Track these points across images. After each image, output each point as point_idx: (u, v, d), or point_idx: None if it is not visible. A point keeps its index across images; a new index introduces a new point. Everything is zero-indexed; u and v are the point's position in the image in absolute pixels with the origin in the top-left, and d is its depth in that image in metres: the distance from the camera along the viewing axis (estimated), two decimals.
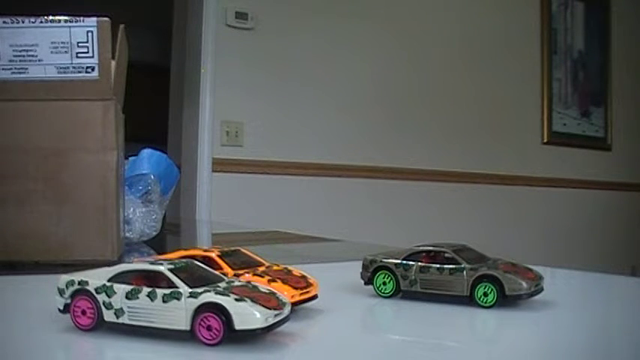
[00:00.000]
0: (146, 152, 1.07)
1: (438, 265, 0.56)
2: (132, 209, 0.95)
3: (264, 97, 2.76)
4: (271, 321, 0.41)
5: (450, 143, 3.30)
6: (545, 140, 3.73)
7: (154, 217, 0.99)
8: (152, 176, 1.00)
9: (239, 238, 1.53)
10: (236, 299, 0.41)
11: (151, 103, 3.25)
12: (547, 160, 3.72)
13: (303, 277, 0.53)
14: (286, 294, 0.47)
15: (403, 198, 3.14)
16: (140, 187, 0.98)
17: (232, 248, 0.56)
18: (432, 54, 3.25)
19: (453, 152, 3.31)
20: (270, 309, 0.41)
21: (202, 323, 0.41)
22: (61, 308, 0.44)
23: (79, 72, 0.75)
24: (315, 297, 0.53)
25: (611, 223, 3.99)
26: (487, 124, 3.46)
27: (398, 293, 0.58)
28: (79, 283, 0.44)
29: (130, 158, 1.05)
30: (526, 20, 3.69)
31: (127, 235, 0.95)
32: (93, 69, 0.75)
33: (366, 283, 0.60)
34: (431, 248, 0.58)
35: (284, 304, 0.43)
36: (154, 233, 1.01)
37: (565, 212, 3.78)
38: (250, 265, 0.54)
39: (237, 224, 2.04)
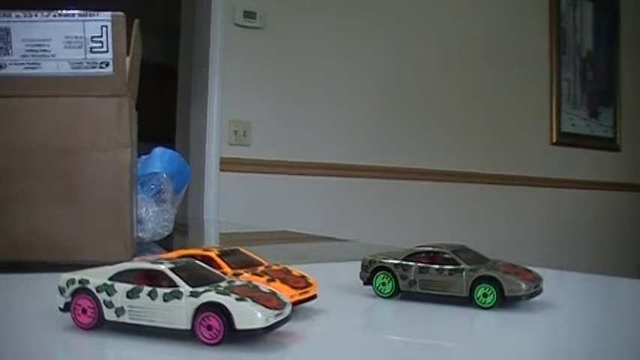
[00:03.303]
0: (158, 150, 1.05)
1: (437, 266, 0.56)
2: (144, 209, 0.93)
3: (272, 97, 2.75)
4: (272, 321, 0.41)
5: (458, 144, 3.28)
6: (553, 141, 3.71)
7: (166, 216, 0.97)
8: (165, 175, 0.98)
9: (247, 237, 1.52)
10: (237, 299, 0.41)
11: (159, 103, 3.24)
12: (556, 160, 3.69)
13: (303, 276, 0.53)
14: (285, 294, 0.47)
15: (411, 198, 3.12)
16: (152, 186, 0.97)
17: (232, 248, 0.55)
18: (440, 54, 3.23)
19: (460, 153, 3.29)
20: (270, 309, 0.41)
21: (203, 323, 0.40)
22: (62, 307, 0.44)
23: (93, 67, 0.73)
24: (314, 297, 0.52)
25: (621, 224, 3.97)
26: (495, 124, 3.44)
27: (397, 293, 0.58)
28: (80, 282, 0.44)
29: (142, 157, 1.03)
30: (534, 20, 3.67)
31: (140, 235, 0.93)
32: (107, 64, 0.73)
33: (365, 284, 0.60)
34: (430, 249, 0.58)
35: (285, 304, 0.43)
36: (167, 233, 0.99)
37: (573, 213, 3.75)
38: (249, 264, 0.53)
39: (245, 224, 2.03)
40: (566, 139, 3.75)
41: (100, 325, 0.43)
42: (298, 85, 2.82)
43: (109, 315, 0.42)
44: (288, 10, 2.80)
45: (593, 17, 3.96)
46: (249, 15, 2.68)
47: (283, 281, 0.50)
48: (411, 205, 3.12)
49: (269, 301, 0.42)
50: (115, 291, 0.42)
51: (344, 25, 2.94)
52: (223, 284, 0.43)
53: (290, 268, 0.54)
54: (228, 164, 2.64)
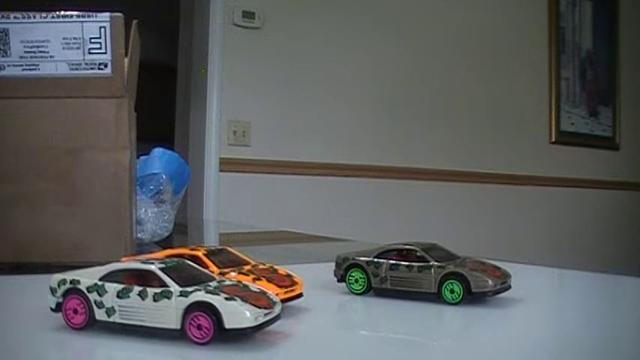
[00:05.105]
0: (158, 151, 1.05)
1: (407, 263, 0.57)
2: (143, 209, 0.93)
3: (271, 97, 2.75)
4: (261, 320, 0.41)
5: (458, 143, 3.28)
6: (552, 140, 3.71)
7: (165, 217, 0.97)
8: (164, 176, 0.98)
9: (246, 237, 1.52)
10: (226, 298, 0.41)
11: (158, 103, 3.24)
12: (555, 159, 3.69)
13: (289, 275, 0.54)
14: (270, 292, 0.47)
15: (410, 197, 3.12)
16: (152, 187, 0.97)
17: (219, 247, 0.56)
18: (439, 53, 3.23)
19: (460, 152, 3.29)
20: (260, 308, 0.42)
21: (192, 322, 0.41)
22: (53, 307, 0.45)
23: (92, 69, 0.73)
24: (299, 295, 0.53)
25: (619, 223, 3.97)
26: (494, 123, 3.44)
27: (369, 290, 0.59)
28: (71, 282, 0.44)
29: (142, 157, 1.03)
30: (534, 19, 3.67)
31: (139, 235, 0.93)
32: (106, 65, 0.73)
33: (339, 281, 0.61)
34: (401, 246, 0.60)
35: (275, 303, 0.44)
36: (166, 234, 0.99)
37: (572, 212, 3.75)
38: (236, 263, 0.54)
39: (244, 224, 2.03)
40: (566, 138, 3.75)
41: (90, 325, 0.43)
42: (297, 85, 2.82)
43: (100, 315, 0.43)
44: (287, 11, 2.80)
45: (592, 16, 3.96)
46: (248, 15, 2.68)
47: (269, 280, 0.51)
48: (411, 205, 3.12)
49: (258, 300, 0.42)
50: (106, 291, 0.43)
51: (343, 25, 2.94)
52: (213, 284, 0.43)
53: (276, 267, 0.55)
54: (227, 164, 2.64)
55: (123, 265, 0.44)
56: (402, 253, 0.59)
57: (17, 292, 0.64)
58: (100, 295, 0.43)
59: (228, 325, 0.40)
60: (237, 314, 0.40)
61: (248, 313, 0.40)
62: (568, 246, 3.64)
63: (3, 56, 0.73)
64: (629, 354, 0.47)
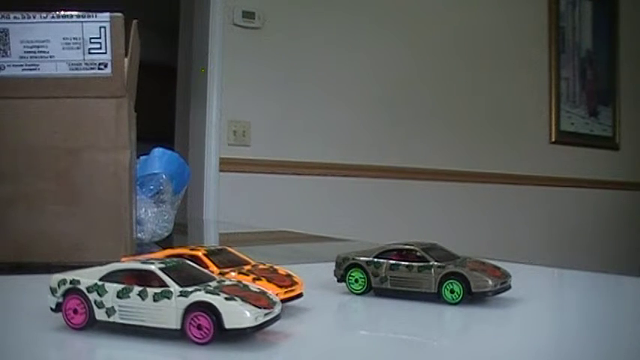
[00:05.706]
0: (157, 151, 1.05)
1: (407, 263, 0.57)
2: (143, 209, 0.93)
3: (271, 97, 2.75)
4: (261, 320, 0.41)
5: (458, 143, 3.28)
6: (552, 140, 3.71)
7: (165, 217, 0.97)
8: (164, 176, 0.98)
9: (246, 237, 1.52)
10: (226, 298, 0.41)
11: (157, 103, 3.24)
12: (555, 159, 3.69)
13: (289, 275, 0.54)
14: (270, 292, 0.47)
15: (410, 197, 3.12)
16: (152, 187, 0.97)
17: (219, 247, 0.56)
18: (439, 53, 3.23)
19: (460, 152, 3.29)
20: (260, 308, 0.42)
21: (192, 322, 0.41)
22: (53, 307, 0.45)
23: (92, 69, 0.73)
24: (300, 295, 0.53)
25: (619, 223, 3.97)
26: (494, 123, 3.44)
27: (369, 290, 0.59)
28: (71, 282, 0.44)
29: (141, 157, 1.03)
30: (534, 19, 3.67)
31: (139, 235, 0.93)
32: (106, 65, 0.73)
33: (339, 281, 0.61)
34: (401, 246, 0.60)
35: (275, 303, 0.44)
36: (166, 234, 0.99)
37: (572, 212, 3.75)
38: (236, 263, 0.54)
39: (244, 224, 2.03)
40: (565, 138, 3.75)
41: (90, 325, 0.43)
42: (297, 85, 2.82)
43: (100, 315, 0.43)
44: (287, 10, 2.80)
45: (592, 16, 3.96)
46: (248, 15, 2.68)
47: (269, 280, 0.51)
48: (411, 205, 3.12)
49: (258, 300, 0.42)
50: (106, 291, 0.43)
51: (343, 25, 2.94)
52: (213, 284, 0.43)
53: (276, 267, 0.55)
54: (227, 164, 2.64)
55: (123, 265, 0.44)
56: (402, 253, 0.59)
57: (17, 292, 0.64)
58: (100, 295, 0.43)
59: (228, 325, 0.40)
60: (237, 314, 0.40)
61: (248, 313, 0.40)
62: (568, 246, 3.63)
63: (3, 56, 0.73)
64: (629, 354, 0.47)
